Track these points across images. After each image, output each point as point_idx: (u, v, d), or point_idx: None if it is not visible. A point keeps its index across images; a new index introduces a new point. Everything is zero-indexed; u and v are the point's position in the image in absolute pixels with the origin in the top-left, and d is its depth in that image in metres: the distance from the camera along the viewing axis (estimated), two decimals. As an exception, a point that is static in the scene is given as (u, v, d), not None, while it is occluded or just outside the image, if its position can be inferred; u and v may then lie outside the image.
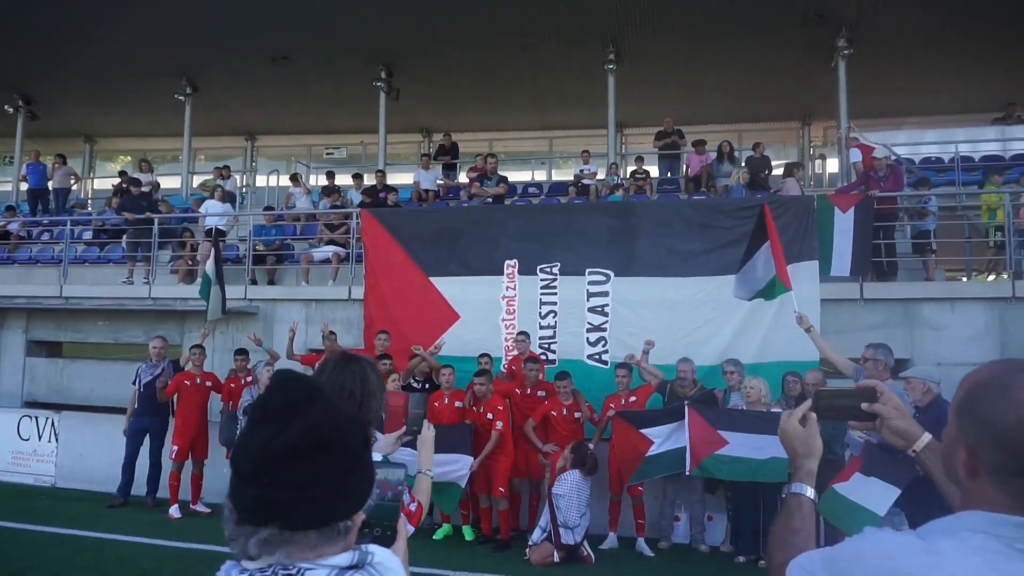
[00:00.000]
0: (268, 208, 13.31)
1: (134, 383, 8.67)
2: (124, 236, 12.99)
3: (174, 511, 8.13)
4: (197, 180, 16.63)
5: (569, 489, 6.55)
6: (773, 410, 6.97)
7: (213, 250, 9.45)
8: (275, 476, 1.03)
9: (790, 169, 10.73)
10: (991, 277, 9.78)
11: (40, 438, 9.59)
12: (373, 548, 1.11)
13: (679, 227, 9.54)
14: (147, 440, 8.64)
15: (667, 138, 14.49)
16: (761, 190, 12.43)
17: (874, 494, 5.37)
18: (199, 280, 11.45)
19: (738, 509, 7.15)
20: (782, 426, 1.50)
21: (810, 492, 1.40)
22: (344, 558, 1.06)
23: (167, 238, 12.82)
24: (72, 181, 16.10)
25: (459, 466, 7.24)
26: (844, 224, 9.07)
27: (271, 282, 11.64)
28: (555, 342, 9.52)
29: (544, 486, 7.14)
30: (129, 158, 20.86)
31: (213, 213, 11.87)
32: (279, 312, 10.60)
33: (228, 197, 12.93)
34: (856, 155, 10.50)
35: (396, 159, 17.90)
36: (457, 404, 7.67)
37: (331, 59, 14.83)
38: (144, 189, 14.30)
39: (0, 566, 6.14)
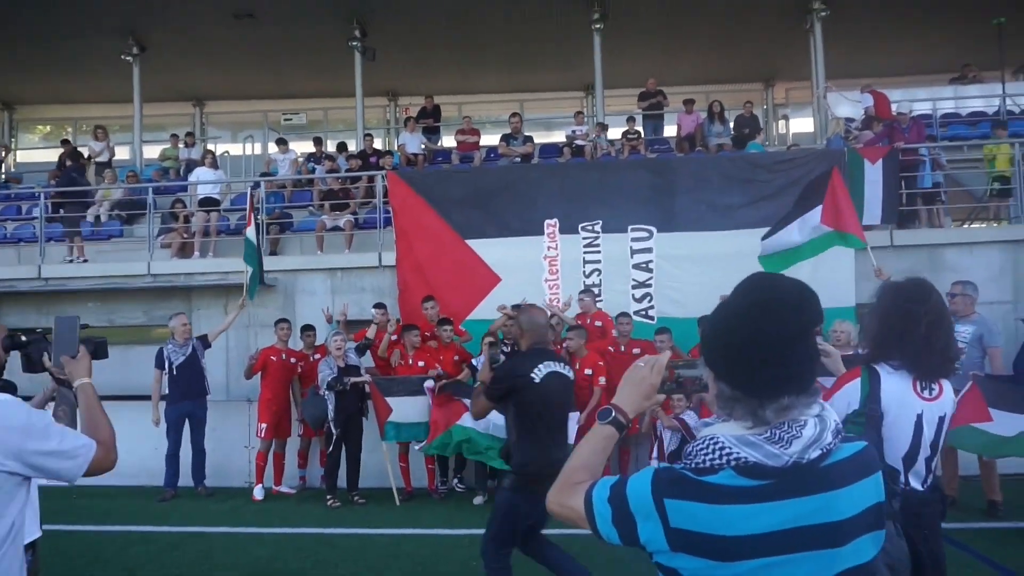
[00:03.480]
0: (265, 175, 12.39)
1: (159, 366, 7.93)
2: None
3: (258, 492, 7.65)
4: (147, 150, 15.27)
5: (696, 423, 6.67)
6: (860, 351, 7.27)
7: (251, 215, 8.69)
8: (789, 357, 1.32)
9: (869, 122, 11.07)
10: (994, 224, 10.55)
11: (51, 434, 8.60)
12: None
13: (718, 182, 9.69)
14: (186, 426, 7.98)
15: (651, 98, 14.62)
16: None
17: (1007, 422, 5.78)
18: (199, 254, 10.68)
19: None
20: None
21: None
22: (815, 408, 1.36)
23: (139, 210, 11.82)
24: (2, 152, 14.44)
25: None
26: (873, 175, 9.50)
27: (273, 252, 10.93)
28: (600, 300, 9.47)
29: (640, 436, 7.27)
30: (49, 128, 18.88)
31: (206, 181, 10.94)
32: (300, 283, 10.00)
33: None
34: (869, 100, 11.01)
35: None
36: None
37: (300, 17, 13.93)
38: (101, 159, 13.15)
39: (101, 570, 5.53)
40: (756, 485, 1.30)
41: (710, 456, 1.33)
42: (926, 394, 2.53)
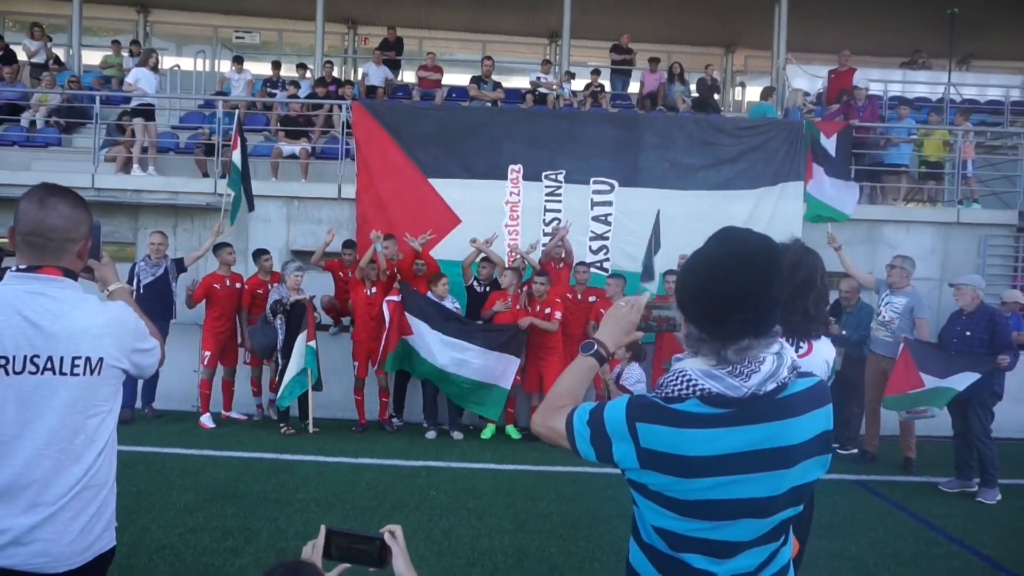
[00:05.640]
0: (219, 94, 11.83)
1: (128, 282, 7.64)
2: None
3: (206, 420, 7.52)
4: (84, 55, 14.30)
5: (638, 379, 6.94)
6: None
7: (238, 137, 8.33)
8: (755, 305, 1.46)
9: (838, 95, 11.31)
10: (928, 206, 11.14)
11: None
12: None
13: (681, 142, 9.87)
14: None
15: (624, 54, 14.58)
16: (712, 111, 13.11)
17: (931, 384, 6.24)
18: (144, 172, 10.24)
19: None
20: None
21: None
22: (775, 347, 1.52)
23: (79, 119, 11.20)
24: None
25: (506, 365, 7.36)
26: (828, 148, 9.86)
27: (224, 176, 10.55)
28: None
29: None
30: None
31: (142, 93, 10.16)
32: (255, 209, 9.71)
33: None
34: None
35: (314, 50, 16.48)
36: (518, 307, 7.64)
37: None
38: (37, 60, 12.31)
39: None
40: (718, 413, 1.47)
41: (679, 387, 1.49)
42: (793, 350, 2.63)
